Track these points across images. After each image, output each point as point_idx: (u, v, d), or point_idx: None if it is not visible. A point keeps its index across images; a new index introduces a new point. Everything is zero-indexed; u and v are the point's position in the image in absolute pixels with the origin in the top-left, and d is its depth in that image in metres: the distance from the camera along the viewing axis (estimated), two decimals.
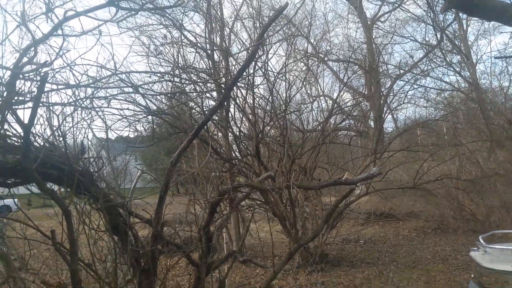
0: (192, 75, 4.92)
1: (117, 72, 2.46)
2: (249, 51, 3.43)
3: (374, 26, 15.75)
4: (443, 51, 11.84)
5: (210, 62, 5.31)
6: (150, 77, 2.68)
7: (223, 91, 2.52)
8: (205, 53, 5.53)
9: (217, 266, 2.47)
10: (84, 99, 2.35)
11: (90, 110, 2.27)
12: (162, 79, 2.95)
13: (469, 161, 9.40)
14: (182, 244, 2.40)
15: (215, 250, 2.51)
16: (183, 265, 7.15)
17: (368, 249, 8.92)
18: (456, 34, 12.65)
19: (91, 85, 2.20)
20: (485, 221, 9.10)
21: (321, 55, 10.11)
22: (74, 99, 2.25)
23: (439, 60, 12.44)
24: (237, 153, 5.87)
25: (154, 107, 5.13)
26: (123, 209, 2.30)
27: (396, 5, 13.78)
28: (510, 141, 8.10)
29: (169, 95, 3.72)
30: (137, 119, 4.57)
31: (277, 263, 2.26)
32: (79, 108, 2.31)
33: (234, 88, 5.45)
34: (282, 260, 2.14)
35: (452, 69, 12.26)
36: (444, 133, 10.04)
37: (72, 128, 2.28)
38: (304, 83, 7.40)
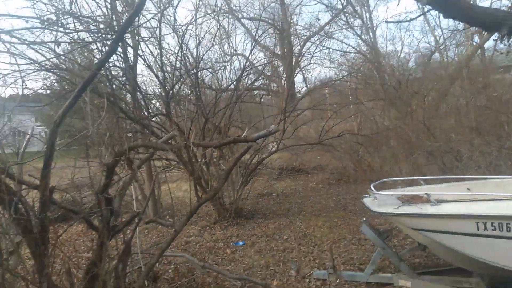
0: (82, 25, 4.36)
1: None
2: None
3: None
4: (346, 15, 12.52)
5: (106, 10, 4.74)
6: (27, 22, 2.30)
7: (112, 41, 2.29)
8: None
9: (121, 228, 2.37)
10: None
11: None
12: (44, 27, 2.55)
13: (367, 119, 10.39)
14: (78, 209, 2.24)
15: (118, 213, 2.39)
16: (85, 231, 6.81)
17: (280, 201, 9.52)
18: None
19: None
20: (379, 171, 10.30)
21: (234, 11, 9.87)
22: None
23: (343, 23, 13.19)
24: (146, 113, 5.57)
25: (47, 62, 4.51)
26: (5, 175, 2.03)
27: None
28: (400, 100, 9.10)
29: (53, 43, 3.24)
30: (25, 74, 3.97)
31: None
32: None
33: (142, 43, 5.04)
34: (183, 219, 2.14)
35: (354, 32, 13.11)
36: (349, 93, 10.87)
37: None
38: (215, 39, 7.20)
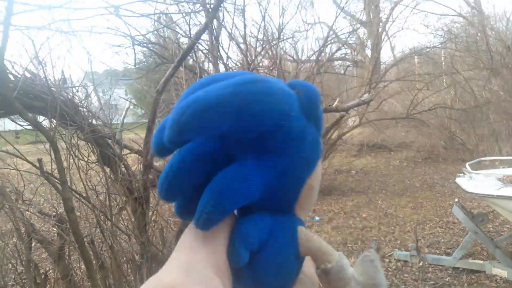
0: None
1: None
2: None
3: None
4: None
5: None
6: None
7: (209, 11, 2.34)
8: None
9: None
10: (60, 21, 2.18)
11: (67, 34, 2.12)
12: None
13: (464, 90, 9.34)
14: None
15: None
16: None
17: (359, 179, 9.22)
18: None
19: (65, 6, 2.03)
20: (474, 150, 9.33)
21: None
22: (49, 22, 2.10)
23: None
24: None
25: (140, 36, 4.87)
26: (112, 140, 2.28)
27: None
28: (506, 69, 7.95)
29: (152, 16, 3.47)
30: (122, 49, 4.34)
31: None
32: (56, 32, 2.16)
33: (225, 13, 5.13)
34: None
35: None
36: (442, 62, 9.80)
37: (50, 55, 2.16)
38: (299, 7, 6.99)
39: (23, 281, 2.41)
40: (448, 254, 4.34)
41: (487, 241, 3.86)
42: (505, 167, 4.54)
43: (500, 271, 3.70)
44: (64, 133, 2.36)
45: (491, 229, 5.08)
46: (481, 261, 3.95)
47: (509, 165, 4.55)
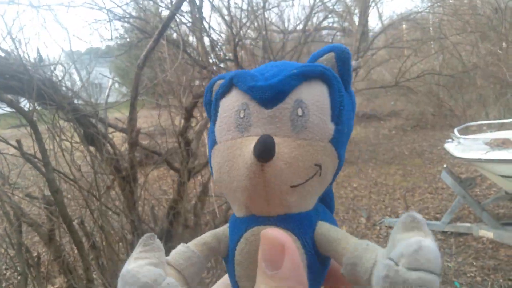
0: None
1: None
2: None
3: None
4: None
5: None
6: None
7: None
8: None
9: (199, 170, 2.50)
10: None
11: (39, 9, 2.00)
12: None
13: (452, 56, 9.29)
14: (160, 151, 2.39)
15: (196, 155, 2.51)
16: (166, 174, 7.38)
17: (350, 149, 9.27)
18: None
19: None
20: (462, 116, 9.40)
21: None
22: None
23: None
24: (213, 59, 5.59)
25: (118, 9, 4.69)
26: (95, 119, 2.21)
27: None
28: (494, 31, 7.89)
29: None
30: (101, 25, 4.19)
31: None
32: (28, 7, 2.05)
33: None
34: None
35: None
36: (430, 27, 9.68)
37: (22, 32, 2.05)
38: None
39: (16, 264, 2.40)
40: (437, 219, 4.45)
41: (474, 204, 3.95)
42: (492, 131, 4.60)
43: (486, 233, 3.82)
44: (46, 114, 2.29)
45: (479, 192, 5.20)
46: (468, 224, 4.06)
47: (496, 129, 4.60)
